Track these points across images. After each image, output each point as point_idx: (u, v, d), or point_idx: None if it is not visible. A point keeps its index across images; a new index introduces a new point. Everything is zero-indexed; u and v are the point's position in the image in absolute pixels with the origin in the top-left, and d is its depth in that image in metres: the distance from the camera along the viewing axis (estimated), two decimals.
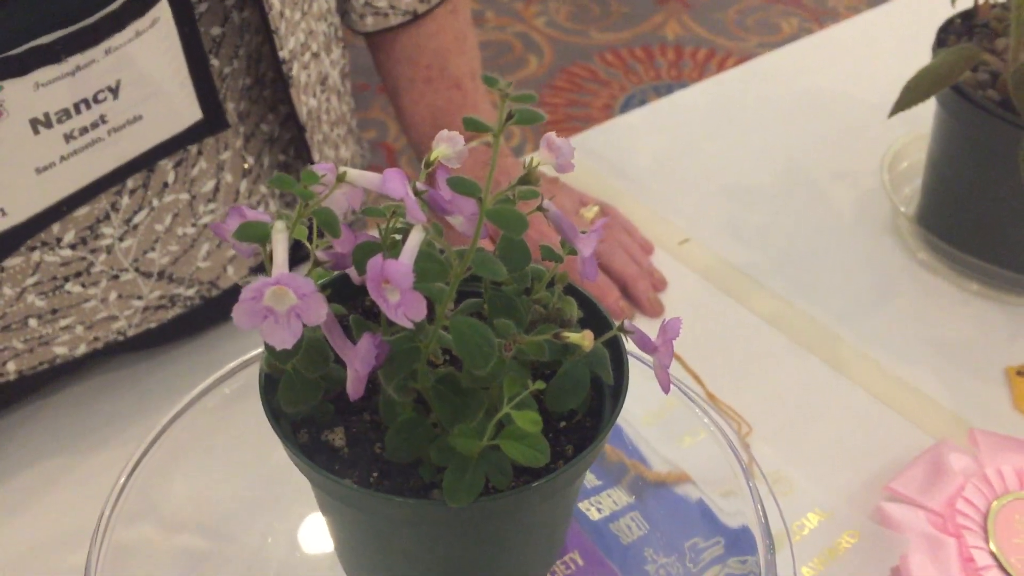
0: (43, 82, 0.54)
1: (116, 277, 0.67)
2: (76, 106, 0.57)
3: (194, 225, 0.69)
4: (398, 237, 0.38)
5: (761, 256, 0.88)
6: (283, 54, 0.68)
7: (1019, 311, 0.82)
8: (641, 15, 2.74)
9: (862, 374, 0.77)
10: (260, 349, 0.63)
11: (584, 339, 0.37)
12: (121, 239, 0.65)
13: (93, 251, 0.65)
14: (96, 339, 0.69)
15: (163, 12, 0.58)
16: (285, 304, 0.32)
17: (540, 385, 0.35)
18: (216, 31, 0.65)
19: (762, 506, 0.53)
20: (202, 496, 0.64)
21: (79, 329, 0.68)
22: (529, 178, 0.36)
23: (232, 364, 0.63)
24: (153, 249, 0.67)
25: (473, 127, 0.34)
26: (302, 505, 0.62)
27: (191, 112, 0.63)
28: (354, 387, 0.36)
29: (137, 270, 0.67)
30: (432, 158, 0.37)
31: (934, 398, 0.75)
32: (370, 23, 0.80)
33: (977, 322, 0.82)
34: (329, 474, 0.38)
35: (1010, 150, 0.74)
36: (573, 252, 0.40)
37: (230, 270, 0.73)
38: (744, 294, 0.84)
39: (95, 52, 0.56)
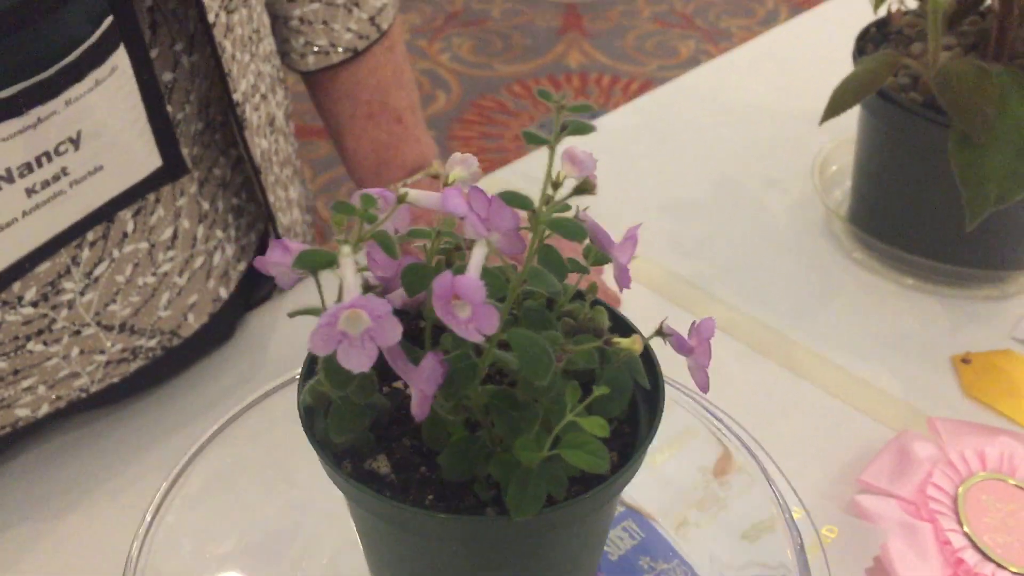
0: (4, 137, 0.53)
1: (78, 332, 0.65)
2: (38, 159, 0.56)
3: (154, 274, 0.68)
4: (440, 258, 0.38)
5: (707, 267, 0.90)
6: (236, 96, 0.68)
7: (956, 302, 0.86)
8: (543, 46, 2.79)
9: (817, 374, 0.79)
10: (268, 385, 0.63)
11: (635, 344, 0.38)
12: (82, 293, 0.64)
13: (55, 307, 0.63)
14: (58, 398, 0.67)
15: (121, 60, 0.57)
16: (359, 327, 0.32)
17: (604, 390, 0.35)
18: (167, 76, 0.65)
19: (781, 496, 0.54)
20: (217, 544, 0.63)
21: (41, 389, 0.66)
22: (585, 186, 0.36)
23: (253, 396, 0.62)
24: (114, 301, 0.66)
25: (533, 140, 0.35)
26: (319, 547, 0.61)
27: (151, 160, 0.62)
28: (420, 408, 0.36)
29: (99, 324, 0.66)
30: (451, 180, 0.38)
31: (888, 391, 0.78)
32: (312, 62, 0.80)
33: (917, 315, 0.85)
34: (391, 501, 0.38)
35: (935, 148, 0.77)
36: (599, 262, 0.41)
37: (191, 318, 0.72)
38: (695, 305, 0.86)
39: (55, 104, 0.55)
